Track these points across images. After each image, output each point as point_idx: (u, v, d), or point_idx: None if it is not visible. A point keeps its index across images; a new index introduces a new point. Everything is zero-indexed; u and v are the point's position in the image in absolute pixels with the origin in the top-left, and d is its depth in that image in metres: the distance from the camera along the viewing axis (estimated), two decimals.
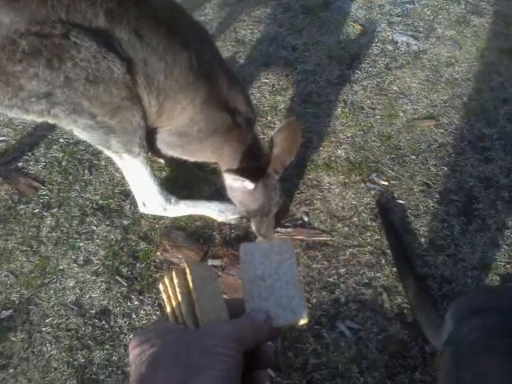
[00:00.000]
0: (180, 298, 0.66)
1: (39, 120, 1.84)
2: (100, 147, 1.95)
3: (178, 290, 0.66)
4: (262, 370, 0.68)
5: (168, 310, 0.68)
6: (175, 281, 0.67)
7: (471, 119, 2.65)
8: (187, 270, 0.67)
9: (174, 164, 2.41)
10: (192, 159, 2.22)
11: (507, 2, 3.43)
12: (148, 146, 2.12)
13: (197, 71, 1.89)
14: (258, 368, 0.67)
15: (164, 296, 0.69)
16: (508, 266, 2.07)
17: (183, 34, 1.89)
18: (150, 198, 2.12)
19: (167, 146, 2.13)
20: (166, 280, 0.68)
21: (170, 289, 0.68)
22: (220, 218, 2.23)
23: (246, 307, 0.70)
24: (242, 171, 2.00)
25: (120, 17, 1.70)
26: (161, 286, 0.69)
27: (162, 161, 2.44)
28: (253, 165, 2.05)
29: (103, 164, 2.47)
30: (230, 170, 2.02)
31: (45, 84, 1.67)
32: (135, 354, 0.61)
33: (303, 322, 0.71)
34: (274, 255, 0.76)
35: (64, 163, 2.49)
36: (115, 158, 2.00)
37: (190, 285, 0.66)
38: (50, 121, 1.82)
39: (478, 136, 2.56)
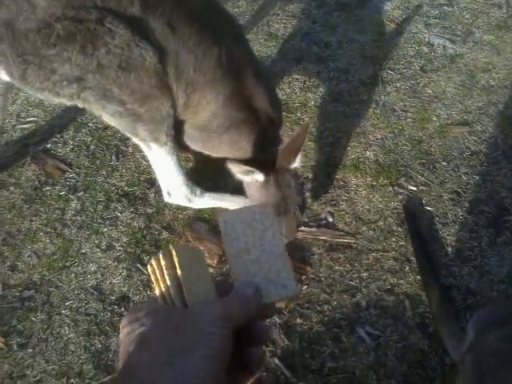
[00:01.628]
0: (168, 280, 0.66)
1: (69, 103, 1.85)
2: (127, 134, 1.96)
3: (165, 272, 0.66)
4: (256, 347, 0.67)
5: (157, 291, 0.68)
6: (162, 263, 0.66)
7: (506, 128, 2.57)
8: (173, 252, 0.66)
9: (199, 158, 2.40)
10: (212, 154, 2.20)
11: None
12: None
13: (225, 67, 1.90)
14: (253, 345, 0.67)
15: (152, 278, 0.68)
16: None
17: (215, 29, 1.90)
18: (175, 187, 2.11)
19: (189, 139, 2.13)
20: (154, 262, 0.68)
21: (157, 271, 0.68)
22: None
23: (235, 285, 0.69)
24: (251, 162, 1.98)
25: (155, 7, 1.70)
26: (149, 268, 0.69)
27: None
28: (262, 158, 2.04)
29: (130, 151, 2.47)
30: (238, 161, 1.97)
31: (77, 69, 1.68)
32: (125, 333, 0.61)
33: (294, 295, 0.69)
34: (256, 223, 0.74)
35: (92, 147, 2.50)
36: (142, 145, 2.00)
37: (177, 267, 0.66)
38: (80, 104, 1.84)
39: None
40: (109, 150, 2.47)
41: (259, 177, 1.97)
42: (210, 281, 0.70)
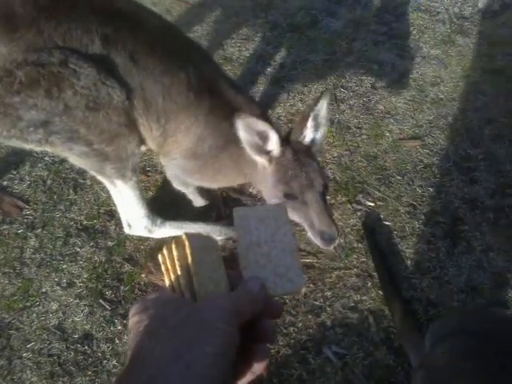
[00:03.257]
0: (179, 271, 0.66)
1: (38, 149, 1.81)
2: (93, 173, 1.94)
3: (177, 262, 0.66)
4: (261, 344, 0.68)
5: (166, 281, 0.68)
6: (174, 253, 0.67)
7: (456, 140, 2.67)
8: (186, 243, 0.67)
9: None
10: (219, 183, 2.16)
11: (490, 22, 3.48)
12: (172, 180, 2.19)
13: (196, 88, 1.83)
14: (260, 341, 0.67)
15: (163, 268, 0.69)
16: (493, 289, 2.07)
17: (179, 53, 1.86)
18: (136, 220, 2.09)
19: (185, 173, 2.07)
20: (165, 251, 0.68)
21: (168, 261, 0.68)
22: None
23: (244, 274, 0.70)
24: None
25: (115, 42, 1.68)
26: (160, 258, 0.69)
27: (146, 178, 2.43)
28: None
29: (88, 183, 2.44)
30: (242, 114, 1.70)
31: (43, 113, 1.64)
32: (134, 322, 0.63)
33: (300, 290, 0.73)
34: (269, 221, 0.76)
35: (49, 182, 2.46)
36: (106, 182, 1.98)
37: (189, 257, 0.66)
38: (48, 149, 1.79)
39: (463, 157, 2.58)
40: (66, 184, 2.44)
41: (275, 149, 1.75)
42: (222, 269, 0.70)
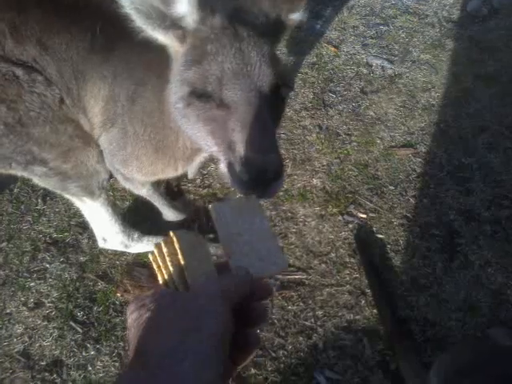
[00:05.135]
0: (170, 267, 0.71)
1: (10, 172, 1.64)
2: (59, 192, 1.77)
3: (167, 259, 0.71)
4: (254, 328, 0.73)
5: (160, 279, 0.73)
6: (164, 250, 0.71)
7: (450, 148, 2.56)
8: (174, 239, 0.71)
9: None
10: (162, 151, 1.55)
11: (480, 26, 3.40)
12: (122, 182, 1.81)
13: (101, 46, 1.44)
14: (253, 325, 0.73)
15: (154, 266, 0.73)
16: (493, 307, 1.96)
17: (88, 14, 1.44)
18: (110, 235, 1.93)
19: (116, 155, 1.60)
20: (156, 250, 0.73)
21: (159, 258, 0.72)
22: None
23: (230, 264, 0.74)
24: None
25: (24, 30, 1.40)
26: (150, 257, 0.74)
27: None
28: None
29: (59, 192, 2.24)
30: None
31: None
32: (133, 319, 0.66)
33: (282, 269, 0.81)
34: (245, 211, 0.81)
35: (16, 191, 2.27)
36: (75, 200, 1.82)
37: (179, 253, 0.71)
38: (19, 174, 1.64)
39: (457, 166, 2.47)
40: (35, 193, 2.25)
41: (187, 16, 1.16)
42: (211, 262, 0.74)
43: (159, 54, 1.25)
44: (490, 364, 1.25)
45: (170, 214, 2.11)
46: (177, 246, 0.71)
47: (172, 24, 1.15)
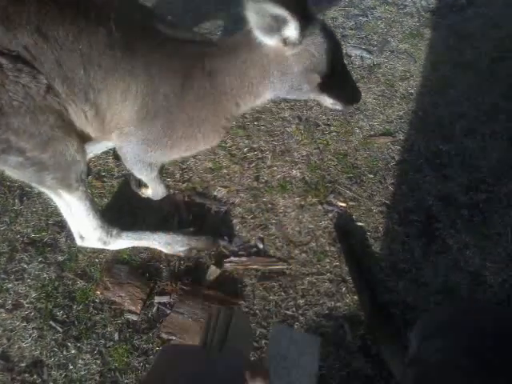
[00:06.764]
0: (217, 333, 0.81)
1: None
2: (34, 185, 1.75)
3: (217, 325, 0.81)
4: None
5: (202, 335, 0.82)
6: (220, 316, 0.82)
7: (428, 135, 2.57)
8: (233, 314, 0.83)
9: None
10: (200, 139, 1.78)
11: (458, 16, 3.42)
12: (133, 166, 1.88)
13: (122, 42, 1.54)
14: None
15: (205, 323, 0.84)
16: (471, 289, 1.98)
17: (95, 10, 1.51)
18: (88, 232, 1.91)
19: (150, 146, 1.75)
20: (214, 312, 0.85)
21: (212, 322, 0.83)
22: (167, 250, 2.04)
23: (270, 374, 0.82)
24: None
25: (18, 17, 1.40)
26: (206, 315, 0.87)
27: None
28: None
29: (36, 191, 2.23)
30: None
31: None
32: (161, 365, 0.76)
33: None
34: (300, 344, 0.88)
35: None
36: (51, 194, 1.80)
37: (230, 327, 0.81)
38: None
39: (435, 152, 2.48)
40: (11, 193, 2.22)
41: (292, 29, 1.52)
42: (250, 347, 0.86)
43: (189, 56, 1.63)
44: (464, 322, 1.28)
45: (160, 189, 2.11)
46: (232, 320, 0.82)
47: (279, 35, 1.53)
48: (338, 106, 1.78)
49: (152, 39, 1.60)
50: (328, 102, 1.77)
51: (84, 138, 1.72)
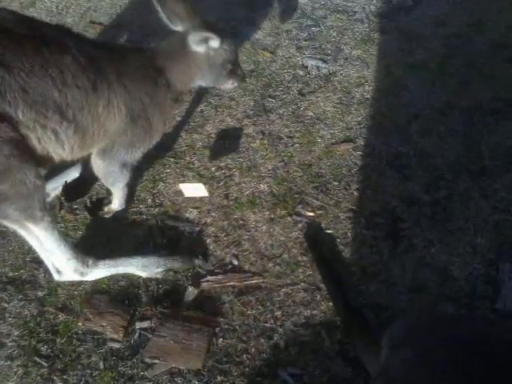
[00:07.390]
0: None
1: None
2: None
3: None
4: None
5: None
6: None
7: (386, 138, 2.69)
8: None
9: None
10: (164, 121, 2.17)
11: (406, 18, 3.56)
12: (107, 178, 2.14)
13: (90, 63, 1.77)
14: None
15: None
16: (439, 285, 2.08)
17: (56, 39, 1.72)
18: (63, 264, 1.95)
19: (132, 148, 2.08)
20: None
21: None
22: (144, 274, 2.09)
23: None
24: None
25: None
26: None
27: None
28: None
29: (11, 230, 2.24)
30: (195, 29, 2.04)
31: None
32: None
33: None
34: None
35: None
36: (16, 227, 1.82)
37: None
38: None
39: (395, 154, 2.60)
40: None
41: (215, 43, 2.09)
42: None
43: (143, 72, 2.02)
44: (432, 329, 1.33)
45: (125, 196, 2.30)
46: None
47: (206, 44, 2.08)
48: (236, 84, 2.30)
49: (112, 54, 1.92)
50: (229, 83, 2.28)
51: (51, 162, 1.81)
